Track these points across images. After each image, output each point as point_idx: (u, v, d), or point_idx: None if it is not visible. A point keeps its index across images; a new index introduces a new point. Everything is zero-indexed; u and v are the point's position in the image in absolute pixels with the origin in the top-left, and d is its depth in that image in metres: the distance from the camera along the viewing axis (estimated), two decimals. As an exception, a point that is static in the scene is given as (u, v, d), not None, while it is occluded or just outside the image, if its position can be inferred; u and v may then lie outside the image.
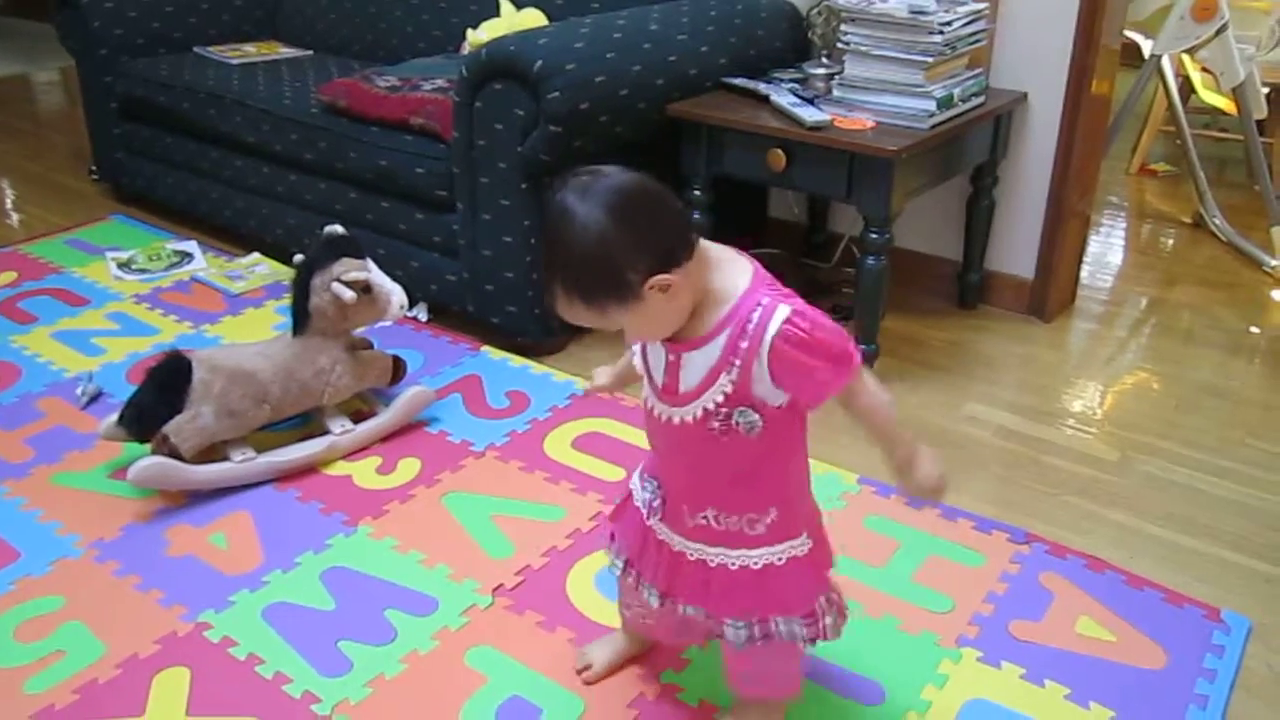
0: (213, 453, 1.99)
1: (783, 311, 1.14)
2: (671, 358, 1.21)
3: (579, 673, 1.56)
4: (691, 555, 1.32)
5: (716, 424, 1.21)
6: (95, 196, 3.53)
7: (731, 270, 1.19)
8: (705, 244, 1.19)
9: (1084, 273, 2.89)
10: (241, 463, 1.99)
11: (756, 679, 1.42)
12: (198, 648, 1.62)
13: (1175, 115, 3.42)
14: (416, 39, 3.20)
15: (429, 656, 1.61)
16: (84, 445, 2.13)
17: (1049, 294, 2.70)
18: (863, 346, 2.37)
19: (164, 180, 3.23)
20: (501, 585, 1.75)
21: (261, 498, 1.98)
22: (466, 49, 2.92)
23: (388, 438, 2.16)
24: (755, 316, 1.15)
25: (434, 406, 2.24)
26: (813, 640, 1.33)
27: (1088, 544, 1.88)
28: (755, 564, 1.29)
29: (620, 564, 1.42)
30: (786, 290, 1.19)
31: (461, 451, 2.12)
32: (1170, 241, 3.36)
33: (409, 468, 2.06)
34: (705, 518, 1.28)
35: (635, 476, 1.39)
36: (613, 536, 1.45)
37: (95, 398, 2.30)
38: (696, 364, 1.19)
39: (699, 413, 1.21)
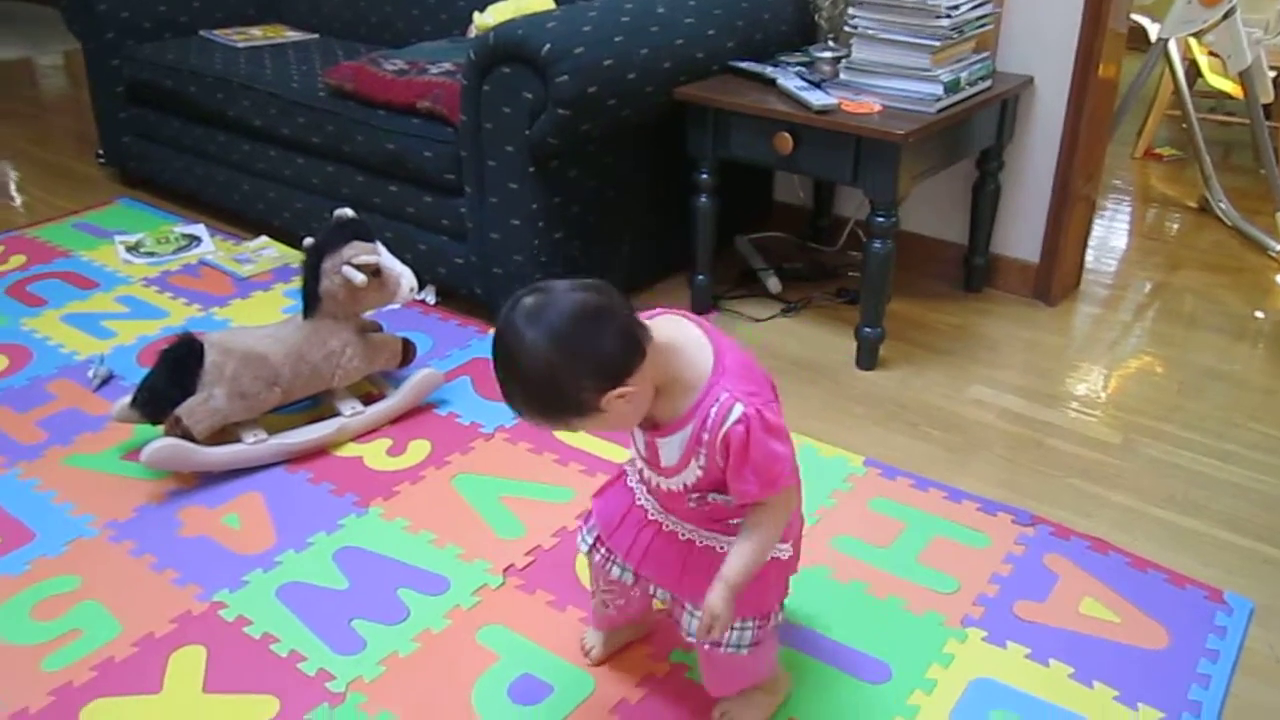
0: (224, 435, 2.01)
1: (736, 412, 1.18)
2: (647, 438, 1.27)
3: (585, 653, 1.58)
4: (683, 535, 1.36)
5: (694, 498, 1.29)
6: (102, 180, 3.54)
7: (694, 355, 1.22)
8: (659, 328, 1.21)
9: (1089, 257, 2.89)
10: (253, 444, 2.01)
11: (723, 679, 1.44)
12: (213, 626, 1.65)
13: (1181, 99, 3.42)
14: (422, 22, 3.20)
15: (441, 635, 1.63)
16: (95, 427, 2.15)
17: (1054, 278, 2.71)
18: (868, 329, 2.38)
19: (171, 164, 3.24)
20: (512, 565, 1.77)
21: (273, 479, 2.00)
22: (473, 32, 2.93)
23: (397, 420, 2.17)
24: (713, 412, 1.20)
25: (443, 389, 2.26)
26: (757, 643, 1.35)
27: (1091, 526, 1.89)
28: (720, 551, 1.32)
29: (590, 540, 1.46)
30: (745, 376, 1.23)
31: (471, 433, 2.13)
32: (1175, 226, 3.37)
33: (419, 449, 2.08)
34: (686, 504, 1.33)
35: (631, 463, 1.43)
36: (588, 516, 1.48)
37: (106, 380, 2.32)
38: (672, 445, 1.25)
39: (681, 486, 1.28)
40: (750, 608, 1.33)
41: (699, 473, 1.25)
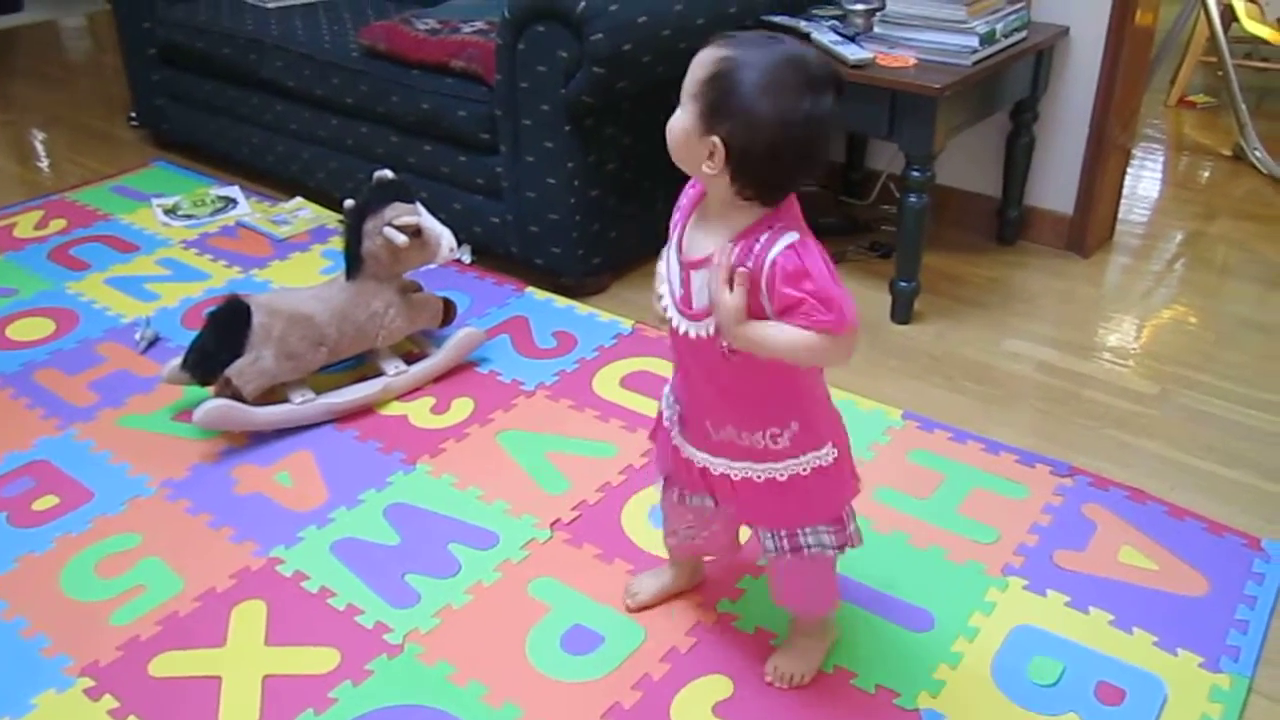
0: (273, 395, 2.05)
1: (787, 238, 1.18)
2: (683, 275, 1.26)
3: (628, 598, 1.62)
4: (715, 470, 1.35)
5: (725, 343, 1.24)
6: (135, 143, 3.56)
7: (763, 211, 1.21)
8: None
9: (1122, 207, 2.88)
10: (301, 404, 2.05)
11: (794, 590, 1.47)
12: (272, 581, 1.70)
13: (1217, 45, 3.37)
14: (451, -21, 3.19)
15: (493, 588, 1.67)
16: (145, 389, 2.19)
17: (1088, 229, 2.71)
18: (903, 283, 2.39)
19: (205, 126, 3.26)
20: (559, 519, 1.81)
21: (322, 437, 2.04)
22: (503, -11, 2.92)
23: (440, 378, 2.21)
24: (762, 238, 1.19)
25: (484, 347, 2.29)
26: (841, 547, 1.38)
27: (1128, 476, 1.91)
28: (781, 476, 1.32)
29: (663, 479, 1.48)
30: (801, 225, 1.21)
31: (513, 391, 2.17)
32: (1209, 174, 3.34)
33: (462, 407, 2.12)
34: (727, 433, 1.32)
35: (665, 392, 1.43)
36: (652, 454, 1.51)
37: (153, 342, 2.36)
38: (703, 282, 1.23)
39: (711, 329, 1.24)
40: (817, 513, 1.36)
41: None
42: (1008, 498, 1.86)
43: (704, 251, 1.23)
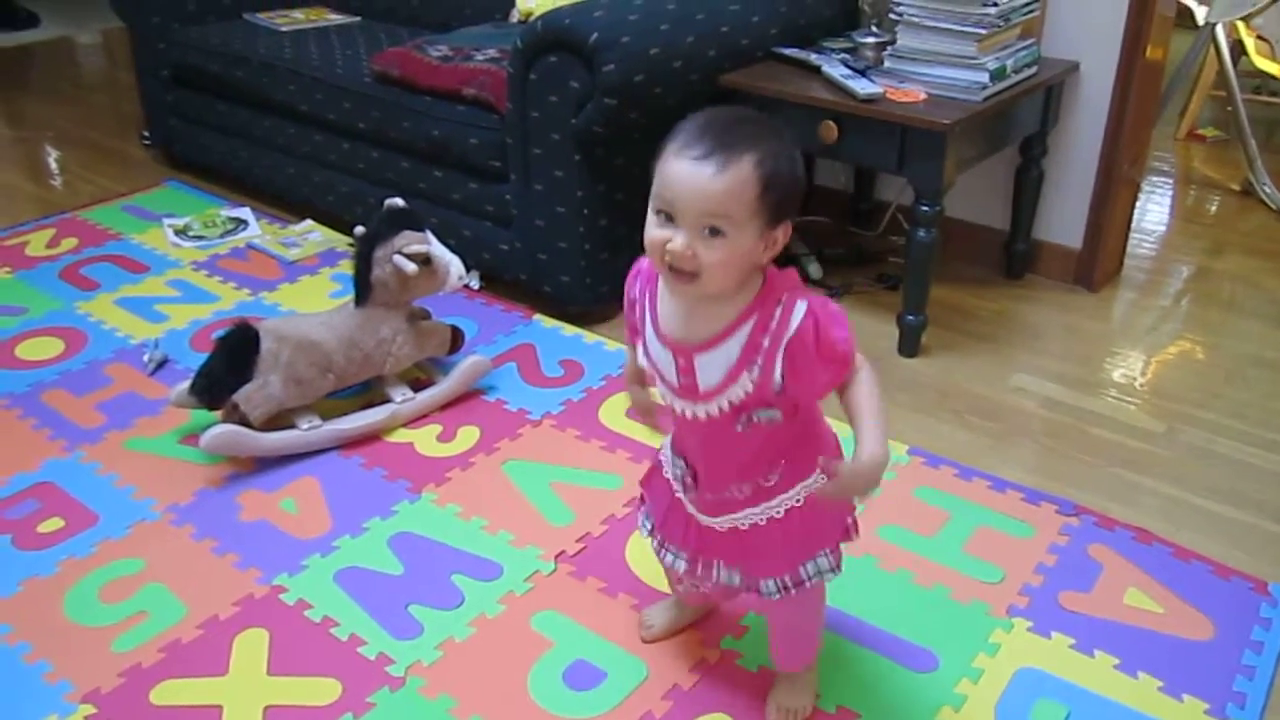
0: (279, 420, 2.06)
1: (801, 307, 1.16)
2: (682, 361, 1.21)
3: (644, 630, 1.62)
4: (722, 528, 1.34)
5: (741, 423, 1.22)
6: (148, 162, 3.59)
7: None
8: None
9: (1130, 241, 2.88)
10: (308, 430, 2.05)
11: (790, 632, 1.46)
12: (275, 610, 1.69)
13: (1226, 80, 3.38)
14: (463, 5, 3.21)
15: (496, 620, 1.67)
16: (153, 411, 2.20)
17: (1096, 263, 2.71)
18: (910, 317, 2.39)
19: (217, 147, 3.28)
20: (563, 551, 1.81)
21: (328, 464, 2.04)
22: (515, 16, 2.95)
23: (447, 406, 2.21)
24: (777, 313, 1.17)
25: (491, 375, 2.30)
26: (837, 566, 1.37)
27: (1134, 515, 1.91)
28: (778, 513, 1.31)
29: (649, 525, 1.46)
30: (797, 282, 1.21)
31: (519, 420, 2.17)
32: (1218, 209, 3.34)
33: (468, 436, 2.12)
34: (731, 491, 1.31)
35: (666, 446, 1.41)
36: (643, 499, 1.49)
37: (162, 364, 2.37)
38: (716, 361, 1.19)
39: (724, 407, 1.21)
40: (820, 539, 1.34)
41: (749, 387, 1.19)
42: (1013, 536, 1.85)
43: (705, 333, 1.18)
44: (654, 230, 1.13)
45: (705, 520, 1.36)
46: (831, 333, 1.17)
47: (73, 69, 4.93)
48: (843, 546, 1.39)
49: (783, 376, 1.18)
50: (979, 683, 1.56)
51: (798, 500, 1.31)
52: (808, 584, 1.35)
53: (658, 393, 1.32)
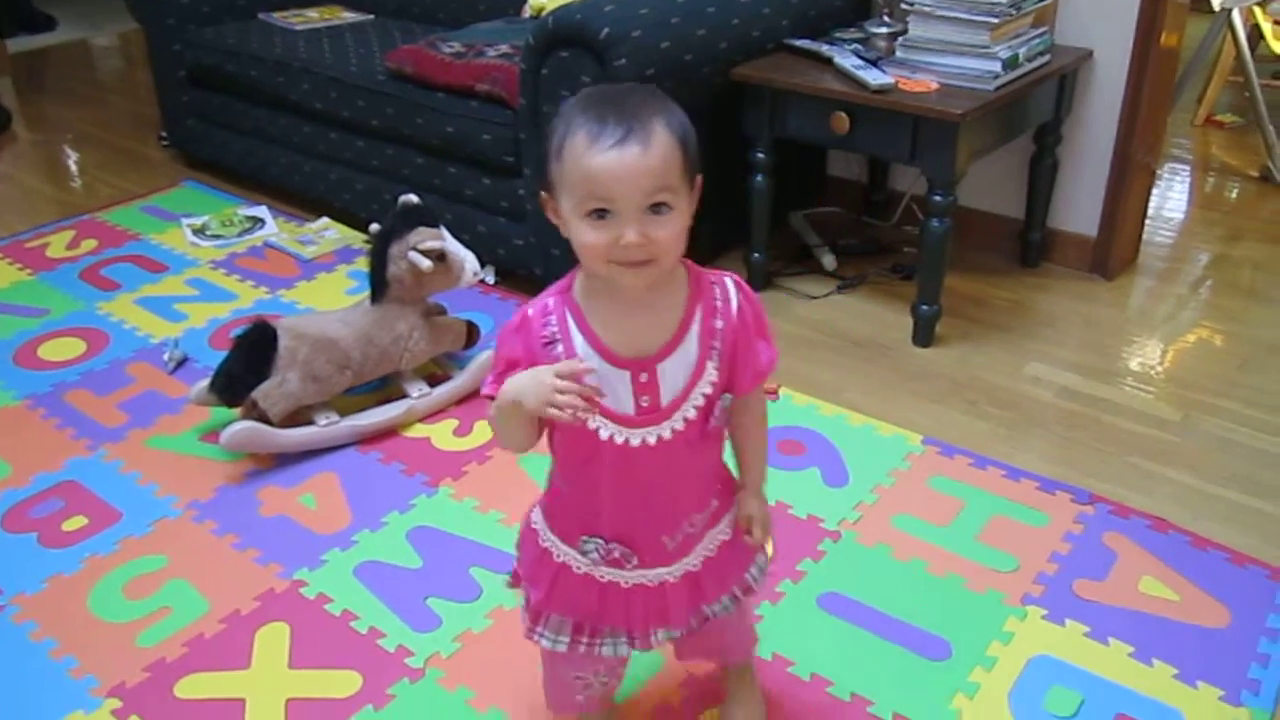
0: (298, 417, 2.08)
1: (730, 283, 1.15)
2: (644, 377, 1.12)
3: None
4: (676, 577, 1.23)
5: (715, 418, 1.17)
6: (166, 162, 3.62)
7: None
8: None
9: (1147, 229, 2.87)
10: (326, 426, 2.08)
11: (742, 634, 1.43)
12: (295, 604, 1.72)
13: (1244, 65, 3.36)
14: (476, 2, 3.22)
15: (514, 613, 1.67)
16: (174, 409, 2.23)
17: (1112, 252, 2.70)
18: (925, 306, 2.39)
19: (233, 146, 3.31)
20: (579, 545, 1.82)
21: (346, 459, 2.07)
22: (527, 12, 2.95)
23: (462, 400, 2.23)
24: (718, 293, 1.14)
25: (506, 370, 2.31)
26: (764, 550, 1.33)
27: (1150, 504, 1.91)
28: (727, 535, 1.27)
29: (565, 639, 1.26)
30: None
31: (534, 414, 2.18)
32: (1236, 195, 3.32)
33: (485, 430, 2.14)
34: (685, 528, 1.22)
35: (557, 550, 1.23)
36: (538, 618, 1.27)
37: (181, 363, 2.39)
38: (678, 364, 1.13)
39: (689, 415, 1.14)
40: (749, 554, 1.32)
41: (714, 377, 1.14)
42: (1028, 525, 1.86)
43: (655, 340, 1.11)
44: (591, 235, 1.04)
45: (656, 575, 1.22)
46: (758, 308, 1.17)
47: (90, 71, 4.98)
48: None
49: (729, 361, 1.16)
50: (993, 670, 1.56)
51: (732, 514, 1.27)
52: (755, 586, 1.32)
53: (581, 455, 1.16)
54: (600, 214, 1.04)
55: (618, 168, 1.02)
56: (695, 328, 1.13)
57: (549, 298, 1.14)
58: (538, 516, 1.27)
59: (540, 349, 1.12)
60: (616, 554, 1.20)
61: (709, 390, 1.14)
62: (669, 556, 1.22)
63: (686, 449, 1.16)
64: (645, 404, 1.12)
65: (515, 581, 1.32)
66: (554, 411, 1.05)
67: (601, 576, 1.22)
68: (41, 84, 4.68)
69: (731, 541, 1.27)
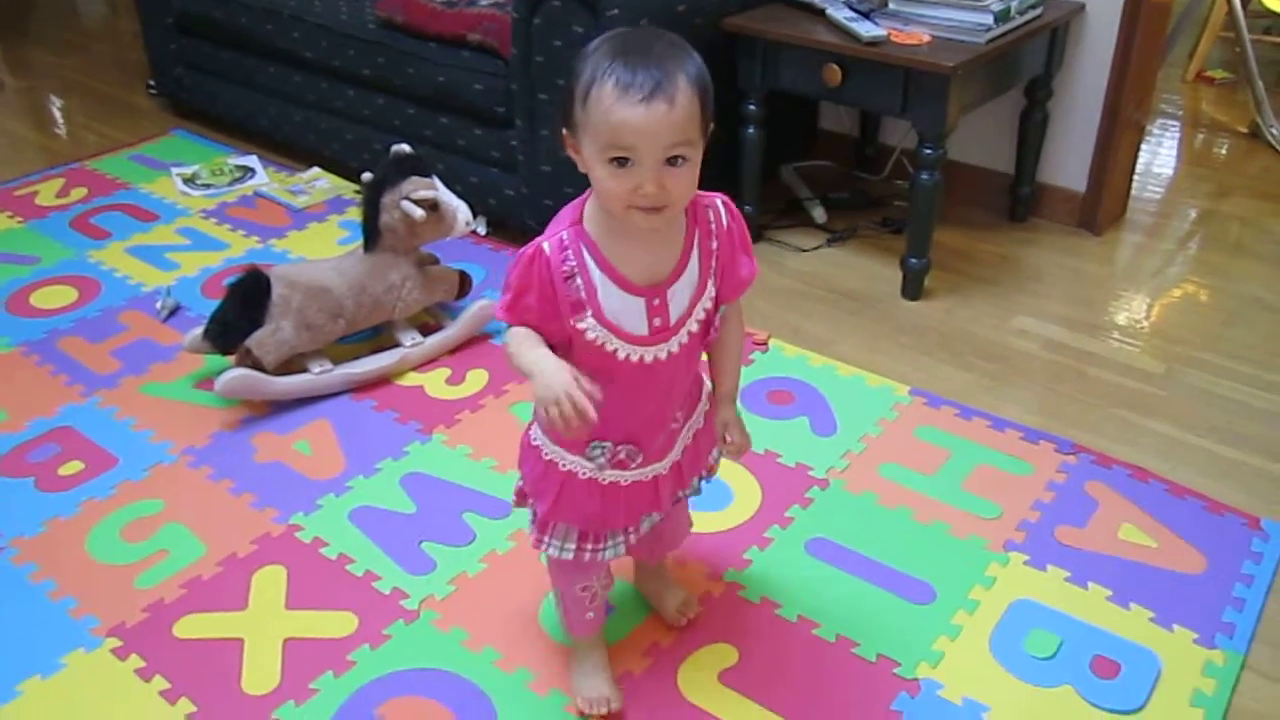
0: (292, 365, 2.09)
1: (719, 203, 1.24)
2: (657, 302, 1.20)
3: (602, 705, 1.45)
4: (666, 470, 1.35)
5: (713, 330, 1.28)
6: (153, 111, 3.59)
7: None
8: None
9: (1136, 184, 2.89)
10: (320, 374, 2.09)
11: (681, 527, 1.56)
12: (291, 547, 1.74)
13: (1235, 21, 3.36)
14: (467, -50, 3.20)
15: (506, 556, 1.72)
16: (167, 357, 2.24)
17: (1100, 206, 2.72)
18: (914, 260, 2.41)
19: (222, 95, 3.29)
20: (571, 491, 1.85)
21: (340, 407, 2.08)
22: (519, -39, 2.92)
23: (456, 350, 2.25)
24: (711, 215, 1.23)
25: (498, 320, 2.32)
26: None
27: (1132, 454, 1.94)
28: (700, 424, 1.39)
29: (571, 547, 1.34)
30: None
31: (526, 363, 2.20)
32: (1224, 151, 3.34)
33: (477, 379, 2.16)
34: (670, 424, 1.32)
35: (563, 460, 1.30)
36: (546, 527, 1.34)
37: (174, 311, 2.40)
38: (684, 287, 1.22)
39: (693, 329, 1.25)
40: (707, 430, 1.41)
41: (713, 291, 1.25)
42: (1012, 474, 1.89)
43: (665, 267, 1.20)
44: (611, 181, 1.10)
45: (653, 470, 1.33)
46: (743, 226, 1.27)
47: (74, 18, 4.91)
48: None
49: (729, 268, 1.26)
50: (975, 614, 1.60)
51: (702, 405, 1.39)
52: (716, 466, 1.45)
53: (589, 371, 1.19)
54: (621, 161, 1.10)
55: (643, 123, 1.07)
56: (696, 251, 1.22)
57: (563, 230, 1.20)
58: (536, 433, 1.34)
59: (562, 282, 1.18)
60: (622, 455, 1.30)
61: (709, 305, 1.26)
62: (662, 452, 1.33)
63: (688, 358, 1.27)
64: (658, 325, 1.22)
65: (520, 499, 1.41)
66: (548, 409, 1.14)
67: (604, 480, 1.31)
68: (25, 30, 4.62)
69: (704, 429, 1.39)
